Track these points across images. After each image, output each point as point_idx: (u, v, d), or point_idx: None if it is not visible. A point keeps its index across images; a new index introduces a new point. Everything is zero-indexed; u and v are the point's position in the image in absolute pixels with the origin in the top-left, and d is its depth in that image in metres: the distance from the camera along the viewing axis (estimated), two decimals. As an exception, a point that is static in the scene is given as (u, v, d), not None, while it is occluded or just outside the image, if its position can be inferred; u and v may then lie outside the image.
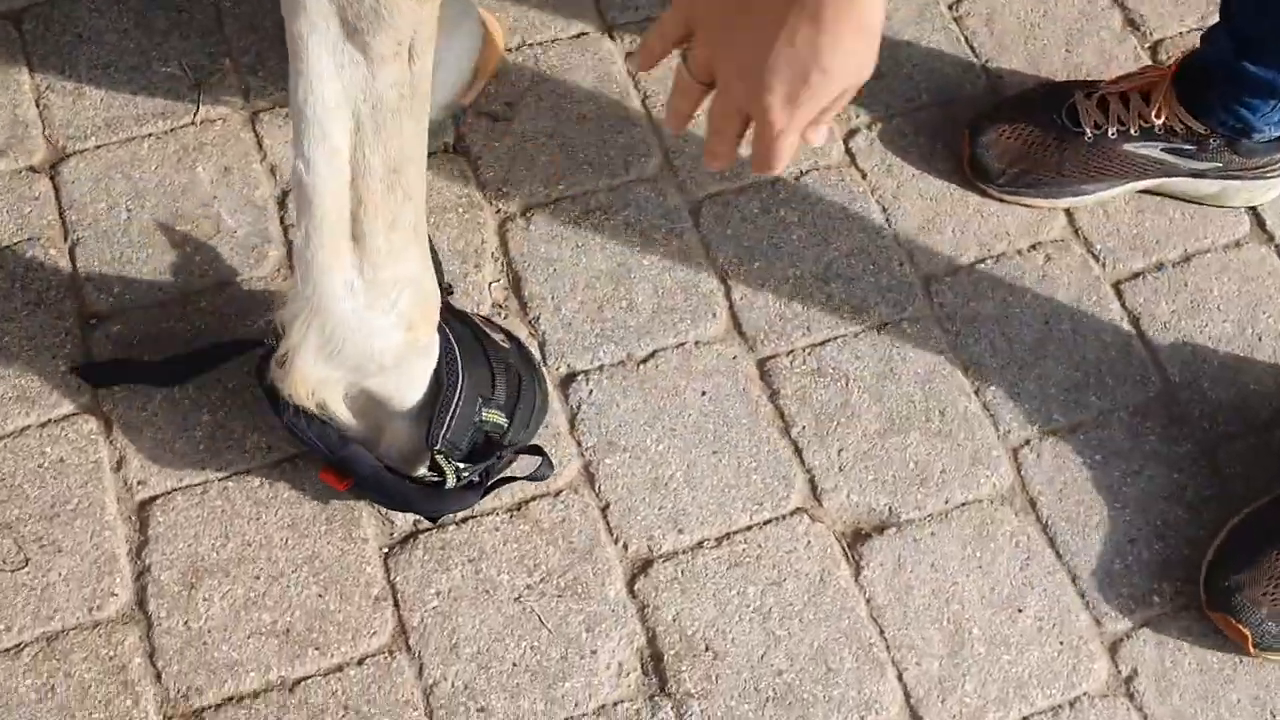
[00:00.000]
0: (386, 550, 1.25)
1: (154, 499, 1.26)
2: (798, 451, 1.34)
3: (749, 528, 1.30)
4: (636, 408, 1.34)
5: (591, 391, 1.35)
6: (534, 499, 1.29)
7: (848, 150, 1.53)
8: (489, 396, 1.19)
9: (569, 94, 1.54)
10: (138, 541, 1.24)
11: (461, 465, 1.15)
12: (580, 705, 1.19)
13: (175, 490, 1.26)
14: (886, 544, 1.29)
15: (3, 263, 1.37)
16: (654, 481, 1.31)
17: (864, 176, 1.51)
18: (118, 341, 1.33)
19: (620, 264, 1.43)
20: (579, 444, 1.32)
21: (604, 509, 1.29)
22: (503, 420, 1.20)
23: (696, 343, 1.39)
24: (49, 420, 1.28)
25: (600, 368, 1.37)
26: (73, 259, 1.37)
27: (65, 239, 1.39)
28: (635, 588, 1.25)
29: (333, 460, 1.16)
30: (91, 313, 1.35)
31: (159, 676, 1.17)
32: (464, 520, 1.27)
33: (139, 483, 1.26)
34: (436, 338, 1.16)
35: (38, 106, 1.46)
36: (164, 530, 1.24)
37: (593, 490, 1.30)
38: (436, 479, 1.15)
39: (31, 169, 1.43)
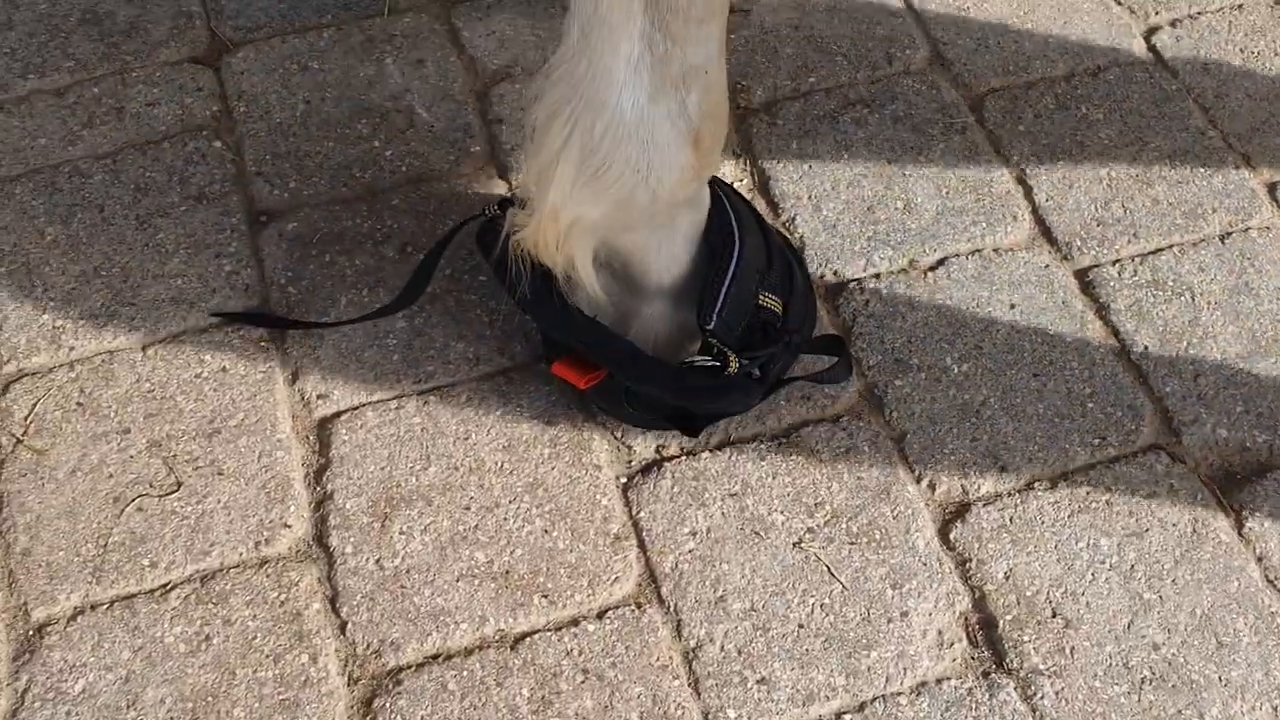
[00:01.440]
0: (625, 480, 0.98)
1: (337, 415, 1.00)
2: (1142, 377, 1.04)
3: (1091, 466, 1.00)
4: (929, 321, 1.06)
5: (868, 302, 1.08)
6: (805, 424, 1.01)
7: (1151, 48, 1.26)
8: (764, 275, 0.93)
9: (814, -15, 1.30)
10: (317, 465, 0.98)
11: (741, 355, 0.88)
12: (892, 681, 0.89)
13: (364, 405, 1.01)
14: (1273, 489, 0.98)
15: (160, 156, 1.15)
16: (962, 409, 1.02)
17: (1175, 75, 1.24)
18: (293, 240, 1.10)
19: (891, 161, 1.16)
20: (859, 362, 1.04)
21: (899, 439, 1.01)
22: (778, 307, 0.93)
23: (996, 249, 1.11)
24: (209, 325, 1.05)
25: (877, 275, 1.09)
26: (240, 153, 1.16)
27: (233, 132, 1.17)
28: (951, 537, 0.96)
29: (576, 344, 0.90)
30: (262, 210, 1.12)
31: (343, 627, 0.90)
32: (719, 447, 1.00)
33: (319, 397, 1.01)
34: (707, 191, 0.91)
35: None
36: (350, 451, 0.98)
37: (882, 417, 1.01)
38: (714, 363, 0.88)
39: (195, 60, 1.23)
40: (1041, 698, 0.89)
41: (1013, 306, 1.08)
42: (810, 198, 1.14)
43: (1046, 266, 1.10)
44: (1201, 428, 1.01)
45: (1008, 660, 0.90)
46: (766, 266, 0.93)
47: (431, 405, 1.01)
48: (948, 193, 1.15)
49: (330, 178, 1.14)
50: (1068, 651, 0.91)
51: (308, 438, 0.99)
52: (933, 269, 1.10)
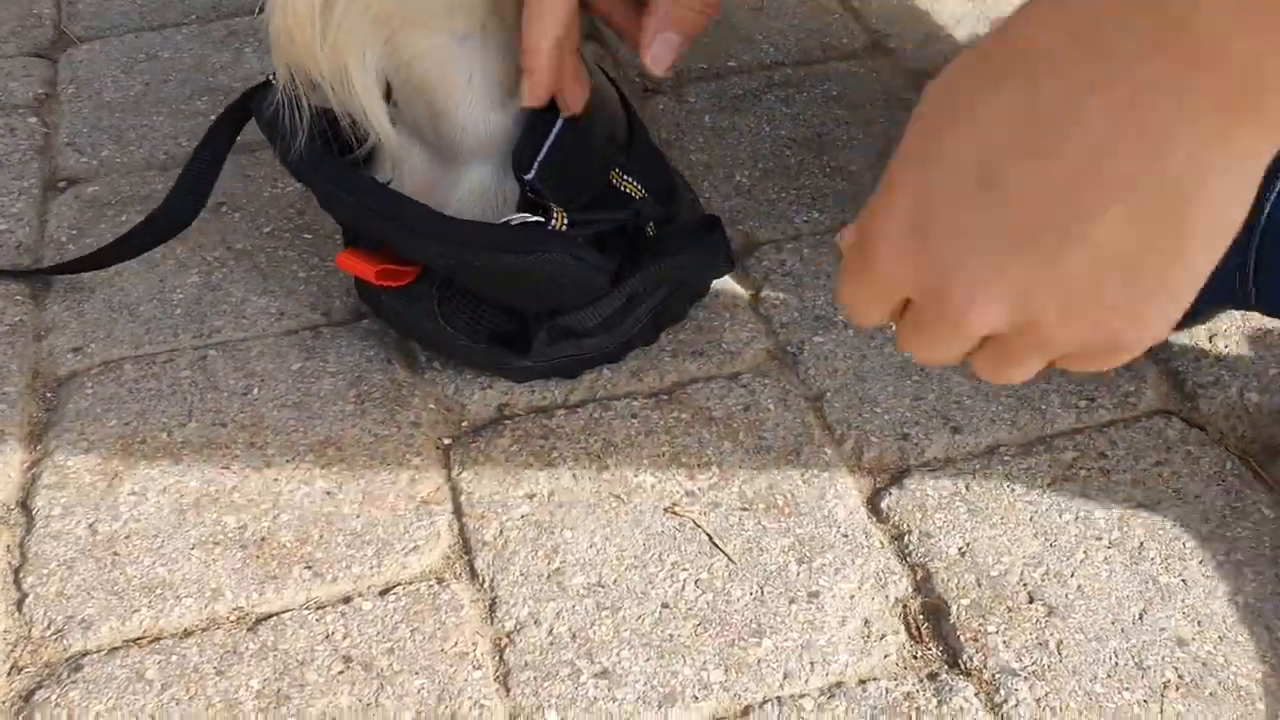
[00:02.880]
0: (450, 440, 0.73)
1: (88, 370, 0.78)
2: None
3: (1077, 430, 0.74)
4: (862, 280, 0.84)
5: (785, 261, 0.85)
6: (694, 381, 0.77)
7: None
8: (624, 152, 0.72)
9: (742, -13, 1.16)
10: (46, 421, 0.75)
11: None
12: (793, 679, 0.61)
13: (124, 359, 0.78)
14: (1331, 460, 0.72)
15: (-36, 134, 0.99)
16: (901, 366, 0.78)
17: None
18: (88, 202, 0.90)
19: (823, 134, 0.97)
20: (767, 321, 0.81)
21: (815, 398, 0.76)
22: (638, 193, 0.71)
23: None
24: (-37, 282, 0.84)
25: (797, 236, 0.88)
26: (55, 129, 0.99)
27: (55, 112, 1.01)
28: (883, 506, 0.70)
29: (363, 214, 0.68)
30: (63, 177, 0.93)
31: (20, 602, 0.64)
32: (579, 404, 0.75)
33: (72, 350, 0.79)
34: None
35: None
36: (90, 406, 0.75)
37: (795, 375, 0.77)
38: (535, 219, 0.65)
39: (34, 54, 1.08)
40: (1016, 705, 0.60)
41: (970, 266, 0.85)
42: (723, 166, 0.94)
43: (1012, 226, 0.88)
44: (1225, 390, 0.76)
45: (965, 657, 0.62)
46: (627, 145, 0.72)
47: (210, 360, 0.78)
48: (887, 160, 0.95)
49: (151, 147, 0.96)
50: (1053, 647, 0.63)
51: (45, 394, 0.77)
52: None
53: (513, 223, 0.65)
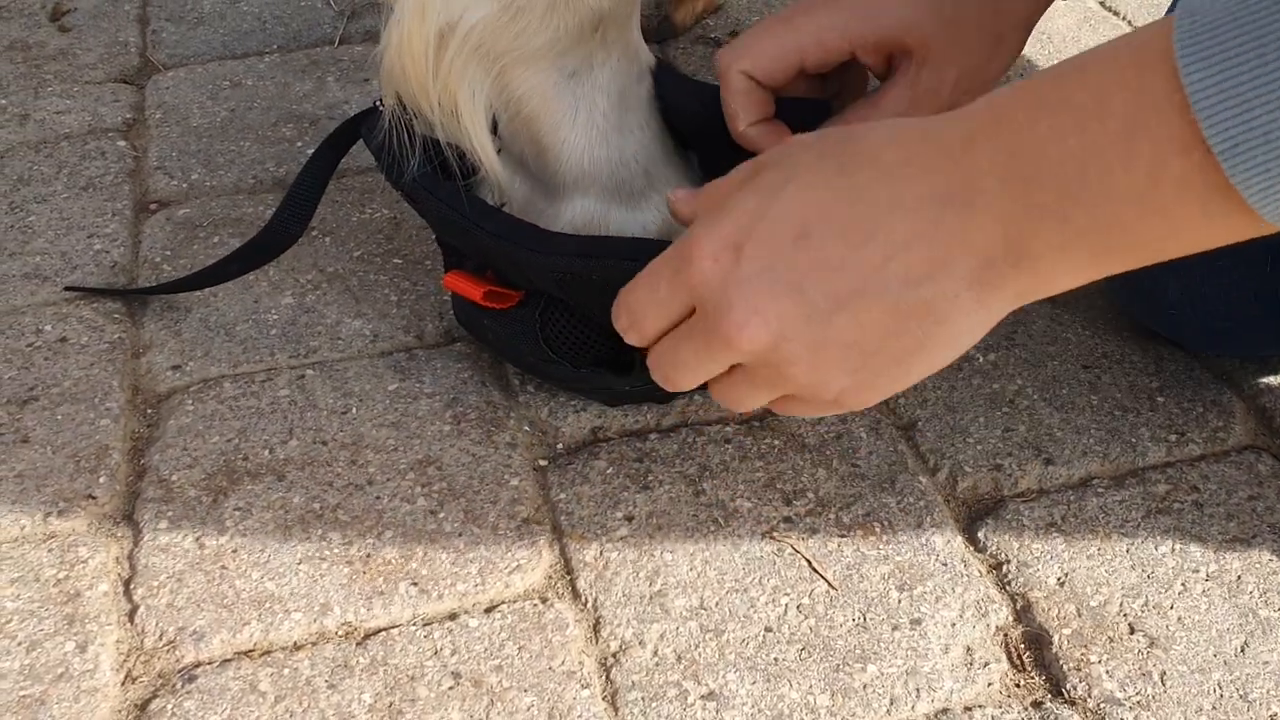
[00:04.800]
0: (546, 461, 0.74)
1: (188, 387, 0.79)
2: (1224, 373, 0.80)
3: (1169, 464, 0.75)
4: (947, 312, 0.85)
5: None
6: (791, 410, 0.78)
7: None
8: None
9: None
10: (148, 436, 0.76)
11: None
12: (900, 705, 0.61)
13: (223, 378, 0.79)
14: None
15: (53, 153, 1.00)
16: (991, 398, 0.78)
17: None
18: (180, 224, 0.92)
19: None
20: (859, 352, 0.82)
21: (907, 427, 0.77)
22: None
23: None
24: (60, 300, 0.86)
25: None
26: (144, 152, 1.00)
27: (143, 135, 1.02)
28: (979, 536, 0.70)
29: (471, 236, 0.69)
30: (154, 199, 0.95)
31: (133, 613, 0.65)
32: (673, 429, 0.76)
33: (171, 369, 0.80)
34: (641, 40, 0.71)
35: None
36: (193, 422, 0.76)
37: (885, 403, 0.78)
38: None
39: (121, 80, 1.11)
40: (1121, 735, 0.60)
41: (1052, 302, 0.86)
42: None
43: (1093, 262, 0.89)
44: (1313, 427, 0.77)
45: (1068, 686, 0.63)
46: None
47: (308, 379, 0.79)
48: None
49: (240, 171, 0.98)
50: (1156, 678, 0.63)
51: (145, 410, 0.78)
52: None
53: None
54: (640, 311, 0.58)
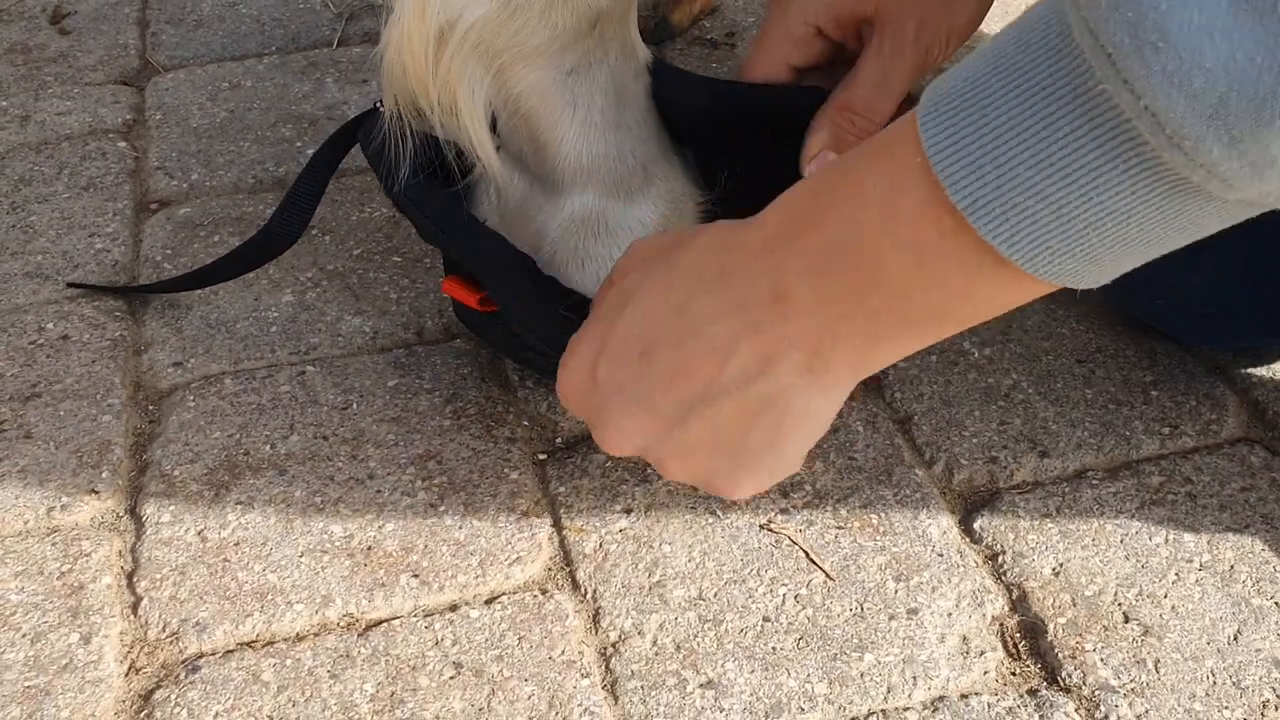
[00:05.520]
0: (545, 455, 0.75)
1: (189, 383, 0.80)
2: (1217, 367, 0.81)
3: (1162, 456, 0.75)
4: (942, 308, 0.85)
5: (869, 290, 0.87)
6: (788, 404, 0.78)
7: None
8: None
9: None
10: (150, 431, 0.76)
11: None
12: (896, 693, 0.62)
13: (224, 374, 0.80)
14: None
15: (54, 154, 1.01)
16: (986, 391, 0.79)
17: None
18: (180, 223, 0.93)
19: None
20: (855, 347, 0.83)
21: (903, 420, 0.77)
22: None
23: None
24: (61, 298, 0.86)
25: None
26: (145, 152, 1.01)
27: (143, 136, 1.03)
28: (975, 527, 0.71)
29: (457, 252, 0.70)
30: (154, 199, 0.96)
31: (136, 605, 0.66)
32: (674, 424, 0.77)
33: (173, 365, 0.81)
34: (639, 39, 0.72)
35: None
36: (194, 418, 0.77)
37: (881, 399, 0.79)
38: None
39: (121, 82, 1.11)
40: (1116, 722, 0.61)
41: (1048, 298, 0.86)
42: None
43: (1086, 258, 0.90)
44: (1305, 420, 0.77)
45: (1064, 674, 0.63)
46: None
47: (309, 376, 0.80)
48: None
49: (239, 171, 0.99)
50: (1150, 665, 0.63)
51: (147, 406, 0.78)
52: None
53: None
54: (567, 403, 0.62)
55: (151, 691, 0.62)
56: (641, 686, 0.62)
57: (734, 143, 0.72)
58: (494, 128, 0.72)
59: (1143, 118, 0.39)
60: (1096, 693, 0.62)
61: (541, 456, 0.75)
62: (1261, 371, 0.81)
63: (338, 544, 0.69)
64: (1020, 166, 0.42)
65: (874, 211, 0.47)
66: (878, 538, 0.70)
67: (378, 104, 0.74)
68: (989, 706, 0.62)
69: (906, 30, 0.69)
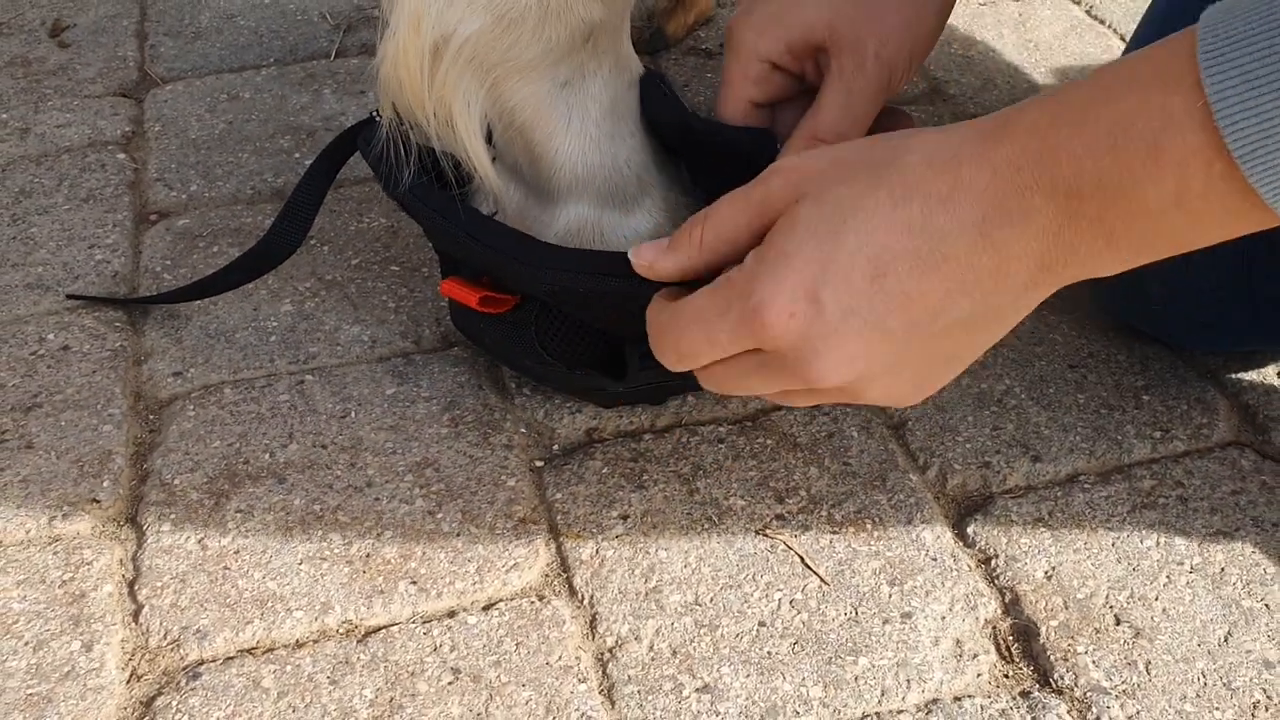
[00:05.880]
0: (542, 462, 0.76)
1: (189, 393, 0.80)
2: (1209, 372, 0.82)
3: (1154, 460, 0.76)
4: (936, 314, 0.86)
5: (863, 297, 0.88)
6: (778, 409, 0.79)
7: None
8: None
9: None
10: (151, 441, 0.77)
11: None
12: (890, 696, 0.62)
13: (224, 383, 0.81)
14: (1405, 491, 0.73)
15: (54, 166, 1.02)
16: (979, 397, 0.80)
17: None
18: (180, 234, 0.94)
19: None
20: (849, 353, 0.83)
21: (897, 426, 0.78)
22: None
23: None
24: (62, 309, 0.87)
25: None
26: (144, 164, 1.02)
27: (142, 148, 1.04)
28: (969, 532, 0.71)
29: (465, 244, 0.70)
30: (154, 210, 0.97)
31: (137, 613, 0.66)
32: (666, 429, 0.78)
33: (173, 375, 0.81)
34: (631, 50, 0.73)
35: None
36: (194, 427, 0.77)
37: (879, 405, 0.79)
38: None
39: (120, 94, 1.12)
40: (1108, 723, 0.62)
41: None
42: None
43: (1078, 264, 0.91)
44: (1295, 424, 0.78)
45: (1056, 676, 0.64)
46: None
47: (308, 384, 0.81)
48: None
49: (238, 183, 1.00)
50: (1141, 667, 0.64)
51: (147, 416, 0.79)
52: (939, 265, 0.91)
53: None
54: (695, 354, 0.59)
55: (153, 698, 0.62)
56: (638, 691, 0.63)
57: (719, 160, 0.73)
58: (490, 139, 0.73)
59: None
60: (1088, 694, 0.63)
61: (539, 463, 0.75)
62: (1252, 376, 0.82)
63: (337, 551, 0.69)
64: None
65: (1140, 146, 0.47)
66: (872, 542, 0.70)
67: (374, 114, 0.74)
68: (982, 709, 0.62)
69: (866, 50, 0.69)
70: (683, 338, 0.58)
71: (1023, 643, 0.66)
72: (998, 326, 0.56)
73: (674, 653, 0.64)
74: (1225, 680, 0.63)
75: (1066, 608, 0.67)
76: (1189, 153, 0.46)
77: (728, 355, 0.57)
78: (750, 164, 0.63)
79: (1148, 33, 0.80)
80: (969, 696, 0.63)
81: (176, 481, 0.74)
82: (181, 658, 0.64)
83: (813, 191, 0.55)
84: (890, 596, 0.67)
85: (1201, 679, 0.64)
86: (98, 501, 0.73)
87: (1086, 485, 0.74)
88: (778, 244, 0.55)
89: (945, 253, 0.52)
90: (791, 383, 0.56)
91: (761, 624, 0.66)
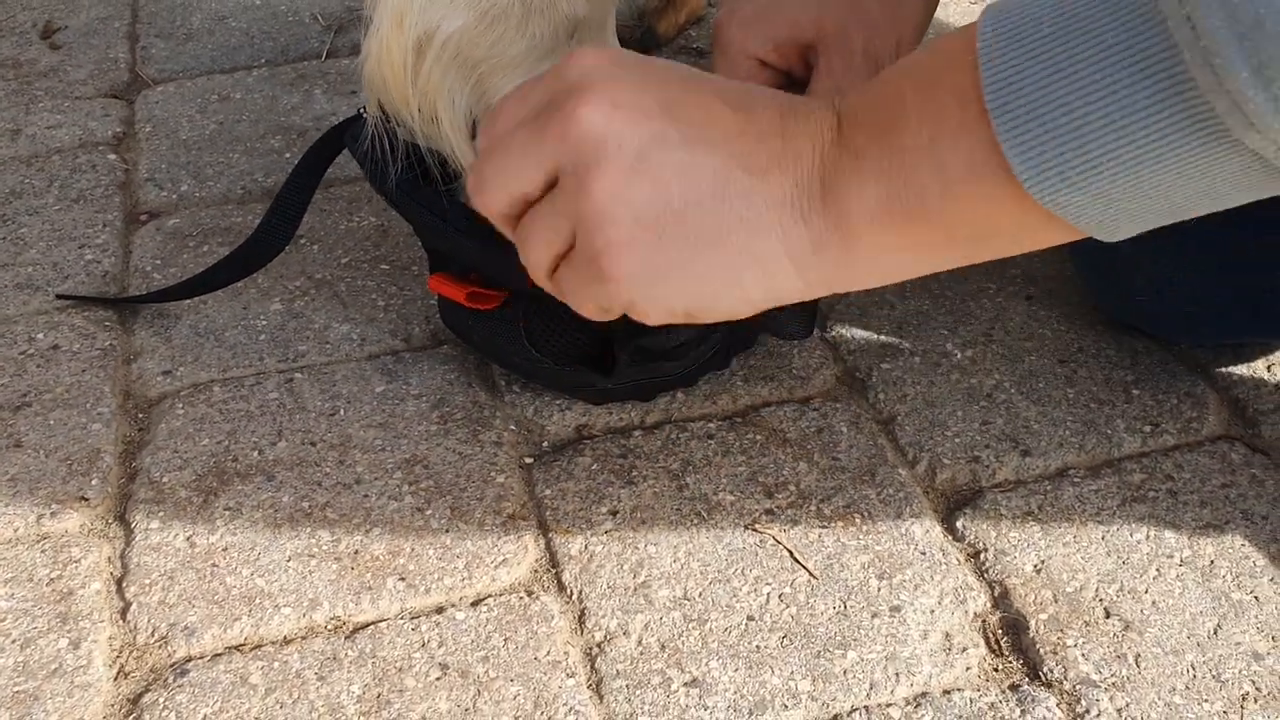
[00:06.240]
0: (532, 459, 0.75)
1: (178, 391, 0.80)
2: (1199, 366, 0.82)
3: (1144, 454, 0.76)
4: (924, 310, 0.86)
5: (849, 292, 0.88)
6: (767, 405, 0.79)
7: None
8: None
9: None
10: (139, 439, 0.77)
11: None
12: (879, 689, 0.62)
13: (212, 382, 0.81)
14: (1395, 484, 0.73)
15: (45, 167, 1.02)
16: (969, 392, 0.80)
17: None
18: (170, 234, 0.94)
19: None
20: (834, 348, 0.83)
21: (886, 421, 0.78)
22: None
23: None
24: (51, 308, 0.87)
25: (863, 269, 0.90)
26: (135, 165, 1.02)
27: (133, 149, 1.04)
28: (958, 526, 0.71)
29: (453, 241, 0.70)
30: (144, 210, 0.97)
31: (125, 610, 0.66)
32: (656, 426, 0.77)
33: (162, 374, 0.81)
34: (615, 40, 0.73)
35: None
36: (183, 425, 0.77)
37: (865, 399, 0.79)
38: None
39: (111, 95, 1.12)
40: (1098, 715, 0.61)
41: (1029, 298, 0.87)
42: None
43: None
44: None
45: (1045, 669, 0.64)
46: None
47: (296, 382, 0.81)
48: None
49: (228, 183, 1.00)
50: (1131, 660, 0.64)
51: (136, 414, 0.79)
52: (929, 261, 0.91)
53: None
54: (500, 140, 0.56)
55: (140, 695, 0.62)
56: (626, 685, 0.62)
57: None
58: (475, 135, 0.73)
59: (1182, 28, 0.39)
60: (1078, 687, 0.63)
61: (528, 460, 0.75)
62: (1242, 370, 0.82)
63: (325, 548, 0.69)
64: (1055, 81, 0.43)
65: (917, 81, 0.48)
66: (861, 537, 0.70)
67: (362, 110, 0.74)
68: (971, 702, 0.62)
69: (854, 45, 0.69)
70: (494, 120, 0.56)
71: (1012, 636, 0.66)
72: (741, 234, 0.51)
73: (663, 647, 0.64)
74: (1215, 672, 0.63)
75: (1056, 601, 0.67)
76: (953, 91, 0.46)
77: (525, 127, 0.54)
78: None
79: None
80: (958, 690, 0.63)
81: (165, 479, 0.74)
82: (169, 655, 0.64)
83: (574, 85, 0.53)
84: (879, 590, 0.67)
85: (1191, 671, 0.64)
86: (86, 499, 0.72)
87: (1076, 479, 0.74)
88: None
89: (748, 223, 0.51)
90: (548, 128, 0.53)
91: (750, 618, 0.66)
